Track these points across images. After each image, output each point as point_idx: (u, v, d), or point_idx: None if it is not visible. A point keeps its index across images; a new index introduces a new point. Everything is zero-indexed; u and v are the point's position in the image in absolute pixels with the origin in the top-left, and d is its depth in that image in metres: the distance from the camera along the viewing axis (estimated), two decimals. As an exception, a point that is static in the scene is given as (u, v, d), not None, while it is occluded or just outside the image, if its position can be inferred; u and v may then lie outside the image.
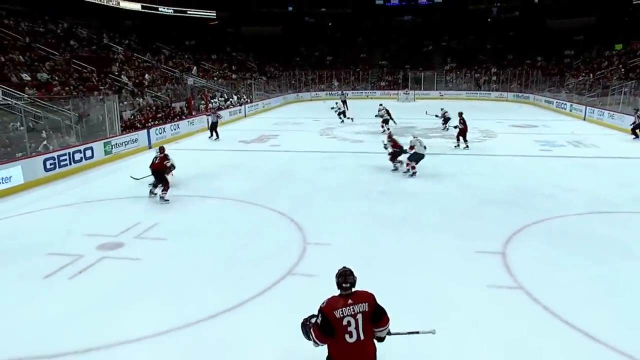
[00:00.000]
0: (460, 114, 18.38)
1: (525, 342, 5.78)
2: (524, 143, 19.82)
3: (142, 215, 10.60)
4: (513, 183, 13.23)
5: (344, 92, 39.13)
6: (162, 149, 12.20)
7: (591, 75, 35.98)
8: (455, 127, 18.61)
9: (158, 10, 44.91)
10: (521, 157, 16.91)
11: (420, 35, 53.14)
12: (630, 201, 11.39)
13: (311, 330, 4.23)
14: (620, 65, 34.84)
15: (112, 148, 17.00)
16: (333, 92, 45.37)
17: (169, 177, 12.08)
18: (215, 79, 37.50)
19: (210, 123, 22.01)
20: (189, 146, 19.93)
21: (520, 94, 41.76)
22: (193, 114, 25.45)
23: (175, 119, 23.24)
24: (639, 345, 5.62)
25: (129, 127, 19.93)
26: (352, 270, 4.19)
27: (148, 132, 19.39)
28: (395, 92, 44.41)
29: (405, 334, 4.55)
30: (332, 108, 27.19)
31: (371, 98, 44.57)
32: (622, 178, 13.79)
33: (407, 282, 7.24)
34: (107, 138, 17.15)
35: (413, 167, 14.04)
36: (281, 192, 12.54)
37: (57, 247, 8.80)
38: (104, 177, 14.58)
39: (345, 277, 4.14)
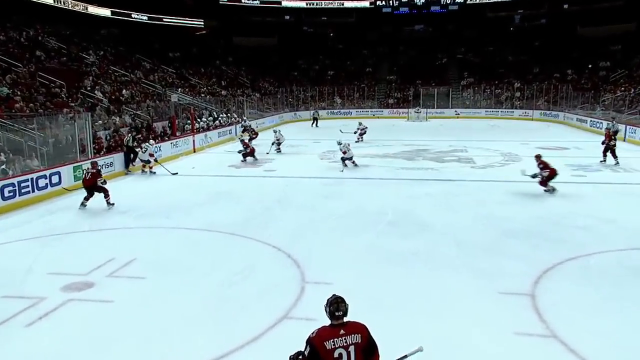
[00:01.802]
0: (608, 130, 21.20)
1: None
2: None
3: (118, 250, 10.46)
4: (540, 213, 13.18)
5: (317, 110, 40.33)
6: (94, 164, 14.11)
7: (631, 90, 35.95)
8: (605, 142, 20.32)
9: (131, 17, 45.67)
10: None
11: (433, 46, 53.81)
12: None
13: None
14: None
15: (83, 173, 16.96)
16: (335, 111, 45.77)
17: None
18: (202, 95, 37.77)
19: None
20: (172, 171, 19.90)
21: (548, 112, 41.98)
22: (177, 134, 25.55)
23: (157, 141, 23.24)
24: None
25: (102, 149, 19.91)
26: (344, 298, 4.33)
27: (125, 155, 19.39)
28: (405, 110, 44.57)
29: None
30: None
31: (378, 117, 45.08)
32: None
33: (420, 327, 7.11)
34: (78, 162, 17.13)
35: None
36: (277, 224, 12.50)
37: (14, 288, 8.65)
38: (74, 207, 14.45)
39: (337, 305, 4.28)
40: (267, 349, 6.67)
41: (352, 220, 12.68)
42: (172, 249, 10.82)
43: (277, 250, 10.43)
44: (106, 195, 13.83)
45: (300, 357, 4.36)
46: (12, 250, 10.90)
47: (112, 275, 9.17)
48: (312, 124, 39.22)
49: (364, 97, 48.93)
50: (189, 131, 26.79)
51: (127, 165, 19.66)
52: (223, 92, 41.59)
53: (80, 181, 14.43)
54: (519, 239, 11.07)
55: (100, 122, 23.03)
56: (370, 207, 13.93)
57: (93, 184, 13.59)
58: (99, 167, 14.22)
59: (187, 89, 37.64)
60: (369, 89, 49.63)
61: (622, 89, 37.38)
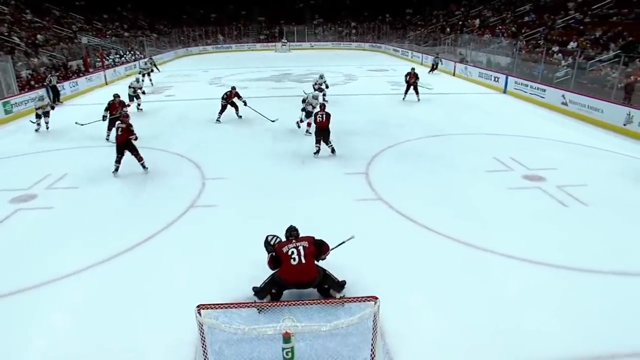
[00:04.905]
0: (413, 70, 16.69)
1: (386, 238, 6.28)
2: (378, 84, 20.52)
3: (51, 167, 9.59)
4: (372, 117, 13.79)
5: (147, 61, 25.82)
6: (125, 117, 9.38)
7: (425, 30, 37.78)
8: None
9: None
10: (377, 96, 17.56)
11: (292, -6, 51.73)
12: (454, 126, 12.52)
13: (268, 256, 4.82)
14: (445, 23, 37.02)
15: (12, 107, 14.97)
16: (219, 46, 43.68)
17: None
18: (108, 37, 33.91)
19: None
20: (89, 101, 18.11)
21: (374, 44, 42.78)
22: (90, 71, 23.03)
23: (73, 77, 20.85)
24: (463, 232, 6.36)
25: (26, 86, 17.55)
26: (296, 226, 4.93)
27: (47, 90, 17.24)
28: (273, 44, 43.45)
29: (336, 247, 5.05)
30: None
31: (252, 50, 43.63)
32: (448, 109, 15.03)
33: (294, 203, 7.42)
34: (6, 98, 15.03)
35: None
36: (179, 137, 11.99)
37: (-32, 204, 7.77)
38: (9, 136, 12.85)
39: (290, 231, 4.91)
40: (180, 229, 6.68)
41: (238, 131, 12.49)
42: (95, 162, 9.96)
43: (181, 157, 10.13)
44: (140, 159, 9.07)
45: (270, 239, 4.96)
46: (-42, 174, 9.62)
47: (50, 188, 8.49)
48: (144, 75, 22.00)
49: (241, 35, 46.55)
50: (99, 67, 24.21)
51: (54, 100, 17.28)
52: (126, 34, 37.50)
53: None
54: (358, 136, 11.62)
55: (21, 63, 20.11)
56: (250, 119, 13.67)
57: (125, 141, 8.94)
58: (130, 123, 9.07)
59: (95, 33, 33.57)
60: (244, 28, 47.18)
61: (420, 29, 39.07)
